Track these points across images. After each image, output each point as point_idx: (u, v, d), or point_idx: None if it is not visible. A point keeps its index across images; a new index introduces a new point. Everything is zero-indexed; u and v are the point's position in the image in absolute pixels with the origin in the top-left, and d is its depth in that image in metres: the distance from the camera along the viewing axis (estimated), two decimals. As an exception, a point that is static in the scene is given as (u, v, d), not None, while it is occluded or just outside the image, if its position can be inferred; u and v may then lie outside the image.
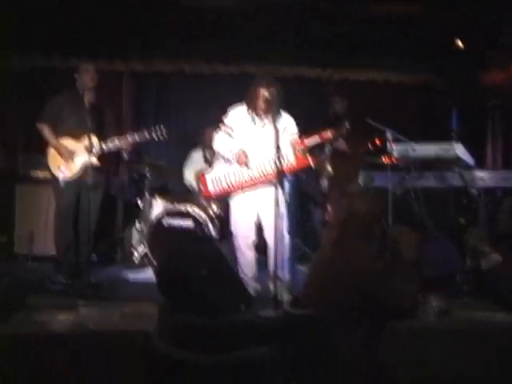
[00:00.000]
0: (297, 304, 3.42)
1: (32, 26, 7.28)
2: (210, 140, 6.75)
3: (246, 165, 5.37)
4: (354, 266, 3.19)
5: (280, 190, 4.95)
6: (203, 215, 6.74)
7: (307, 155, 5.41)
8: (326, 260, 3.38)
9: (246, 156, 5.37)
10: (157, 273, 5.35)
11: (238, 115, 5.54)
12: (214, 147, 5.62)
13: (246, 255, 5.52)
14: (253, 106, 5.44)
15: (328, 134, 5.50)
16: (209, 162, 7.34)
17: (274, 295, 4.86)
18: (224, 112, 5.63)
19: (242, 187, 5.46)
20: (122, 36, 7.57)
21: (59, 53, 7.90)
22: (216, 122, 5.74)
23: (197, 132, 7.83)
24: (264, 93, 5.35)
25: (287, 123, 5.50)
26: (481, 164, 7.10)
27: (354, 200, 3.73)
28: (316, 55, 8.08)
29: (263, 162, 5.40)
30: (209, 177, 5.55)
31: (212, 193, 5.56)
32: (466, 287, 4.69)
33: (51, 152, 6.03)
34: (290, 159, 5.35)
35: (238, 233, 5.54)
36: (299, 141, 5.38)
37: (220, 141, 5.54)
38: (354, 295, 3.15)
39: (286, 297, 5.20)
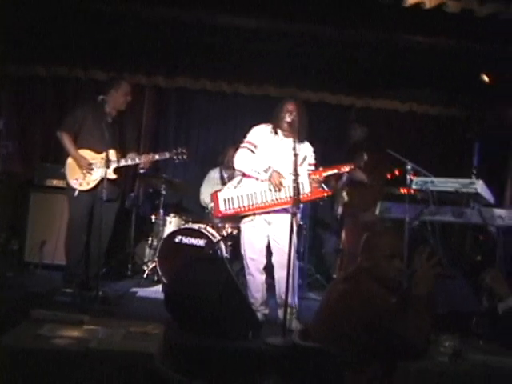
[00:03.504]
0: (306, 335, 3.33)
1: (55, 37, 7.31)
2: (228, 160, 6.80)
3: (280, 184, 5.32)
4: (367, 303, 3.10)
5: (294, 217, 4.92)
6: (216, 235, 6.69)
7: (323, 187, 5.40)
8: (339, 292, 3.29)
9: (280, 174, 5.33)
10: (165, 291, 5.31)
11: (261, 133, 5.53)
12: (236, 164, 5.58)
13: (257, 279, 5.49)
14: (277, 126, 5.45)
15: (346, 167, 5.53)
16: (225, 183, 7.26)
17: (283, 322, 4.81)
18: (243, 133, 5.63)
19: (254, 210, 5.43)
20: (146, 50, 7.57)
21: (81, 64, 7.90)
22: (235, 142, 5.71)
23: (216, 151, 7.82)
24: (289, 115, 5.36)
25: (307, 152, 5.51)
26: (500, 202, 6.98)
27: (371, 231, 3.64)
28: (340, 81, 8.03)
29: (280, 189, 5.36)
30: (221, 196, 5.53)
31: (223, 212, 5.54)
32: (481, 329, 4.58)
33: (69, 162, 6.03)
34: (305, 189, 5.33)
35: (248, 256, 5.52)
36: (316, 172, 5.39)
37: (243, 157, 5.49)
38: (366, 332, 3.06)
39: (294, 325, 5.14)
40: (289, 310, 4.95)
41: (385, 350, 3.04)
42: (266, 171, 5.35)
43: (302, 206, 5.43)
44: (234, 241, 6.80)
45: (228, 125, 8.17)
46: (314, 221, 7.76)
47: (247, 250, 5.53)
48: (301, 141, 5.35)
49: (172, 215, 7.16)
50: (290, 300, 5.00)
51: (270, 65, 7.58)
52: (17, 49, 7.32)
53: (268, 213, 5.42)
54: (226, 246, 6.77)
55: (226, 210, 5.50)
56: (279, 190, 5.34)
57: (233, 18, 6.68)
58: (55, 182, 7.22)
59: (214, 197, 5.57)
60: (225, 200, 5.49)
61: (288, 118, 5.35)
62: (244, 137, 5.60)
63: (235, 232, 6.81)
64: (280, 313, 5.29)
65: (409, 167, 6.10)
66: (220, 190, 5.62)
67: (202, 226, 6.75)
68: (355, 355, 3.07)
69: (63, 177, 6.15)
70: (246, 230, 5.54)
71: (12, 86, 7.94)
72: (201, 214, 7.48)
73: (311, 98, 8.01)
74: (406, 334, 3.02)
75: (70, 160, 6.03)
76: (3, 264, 6.84)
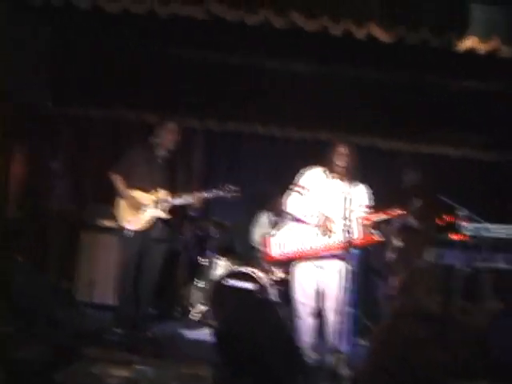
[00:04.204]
0: (356, 382, 3.27)
1: (110, 80, 7.50)
2: (277, 206, 6.82)
3: (329, 229, 5.28)
4: (409, 341, 3.02)
5: (344, 262, 4.91)
6: (265, 279, 6.65)
7: (373, 233, 5.33)
8: (382, 335, 3.22)
9: (330, 219, 5.29)
10: (215, 333, 5.27)
11: (314, 176, 5.51)
12: (287, 209, 5.55)
13: (307, 323, 5.44)
14: (329, 169, 5.43)
15: (395, 212, 5.44)
16: (273, 227, 7.24)
17: (333, 369, 4.73)
18: (293, 177, 5.61)
19: (304, 255, 5.40)
20: (199, 94, 7.69)
21: (135, 107, 8.05)
22: (284, 187, 5.71)
23: (265, 195, 7.84)
24: (342, 158, 5.34)
25: (362, 194, 5.47)
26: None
27: (418, 277, 3.57)
28: (392, 126, 8.00)
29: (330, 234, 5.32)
30: (273, 240, 5.51)
31: (275, 257, 5.52)
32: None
33: (121, 202, 6.11)
34: (355, 235, 5.23)
35: (299, 300, 5.48)
36: (366, 217, 5.32)
37: (294, 201, 5.47)
38: (407, 370, 2.96)
39: (344, 371, 5.05)
40: (339, 356, 4.90)
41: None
42: (316, 216, 5.32)
43: (352, 251, 5.32)
44: (284, 285, 6.77)
45: (277, 169, 8.17)
46: (364, 267, 7.65)
47: (297, 294, 5.48)
48: (354, 184, 5.32)
49: (221, 258, 7.16)
50: (340, 346, 4.96)
51: (321, 109, 7.63)
52: (73, 91, 7.52)
53: (319, 258, 5.37)
54: (276, 291, 6.72)
55: (277, 254, 5.49)
56: (329, 235, 5.29)
57: (282, 62, 6.78)
58: (106, 222, 7.27)
59: (266, 241, 5.57)
60: (276, 244, 5.48)
61: (340, 161, 5.34)
62: (293, 179, 5.59)
63: (285, 276, 6.77)
64: (330, 358, 5.23)
65: (461, 213, 6.02)
66: (271, 235, 5.60)
67: (253, 269, 6.73)
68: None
69: (113, 217, 6.23)
70: (297, 273, 5.51)
71: (67, 127, 8.13)
72: (250, 256, 7.46)
73: (361, 142, 7.96)
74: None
75: (121, 200, 6.11)
76: (54, 303, 6.91)
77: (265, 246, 5.58)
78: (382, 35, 5.18)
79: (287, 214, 5.71)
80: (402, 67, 6.49)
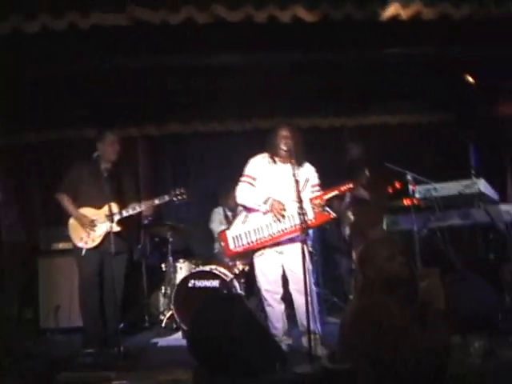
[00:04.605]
0: (334, 359, 3.30)
1: (41, 101, 7.38)
2: (230, 200, 6.92)
3: (283, 211, 5.30)
4: (381, 321, 3.06)
5: (303, 244, 4.91)
6: (228, 274, 6.67)
7: (327, 210, 5.38)
8: (353, 311, 3.26)
9: (280, 203, 5.31)
10: (187, 336, 5.27)
11: (259, 163, 5.54)
12: (238, 199, 5.57)
13: (276, 310, 5.48)
14: (274, 154, 5.46)
15: (346, 186, 5.46)
16: (229, 221, 7.32)
17: (309, 350, 4.77)
18: (240, 169, 5.62)
19: (263, 244, 5.42)
20: (134, 101, 7.63)
21: (71, 125, 7.95)
22: (233, 180, 5.72)
23: (215, 190, 7.89)
24: (284, 141, 5.35)
25: (309, 174, 5.50)
26: (503, 199, 6.96)
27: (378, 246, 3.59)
28: (327, 104, 8.08)
29: (282, 218, 5.35)
30: (230, 234, 5.51)
31: (233, 251, 5.53)
32: (508, 325, 4.55)
33: (71, 222, 6.02)
34: (309, 216, 5.28)
35: (264, 288, 5.51)
36: (318, 196, 5.35)
37: (243, 192, 5.49)
38: (385, 351, 3.00)
39: (320, 351, 5.10)
40: (312, 336, 4.90)
41: (405, 366, 2.98)
42: (265, 202, 5.34)
43: (309, 232, 5.40)
44: (247, 277, 6.80)
45: (224, 163, 8.16)
46: (323, 245, 7.73)
47: (262, 282, 5.51)
48: (300, 165, 5.35)
49: (181, 261, 7.12)
50: (312, 326, 4.97)
51: (257, 97, 7.66)
52: (5, 117, 7.39)
53: (278, 244, 5.40)
54: (239, 284, 6.74)
55: (235, 247, 5.49)
56: (283, 219, 5.31)
57: (210, 56, 6.77)
58: (61, 245, 7.19)
59: (223, 236, 5.56)
60: (233, 238, 5.48)
61: (284, 145, 5.35)
62: (242, 171, 5.59)
63: (247, 268, 6.82)
64: (304, 341, 5.28)
65: (409, 177, 6.12)
66: (228, 229, 5.60)
67: (213, 266, 6.73)
68: (381, 372, 3.02)
69: (68, 239, 6.13)
70: (259, 262, 5.53)
71: (4, 156, 7.98)
72: (209, 254, 7.47)
73: (302, 124, 8.01)
74: (424, 345, 2.97)
75: (71, 220, 6.02)
76: (20, 334, 6.80)
77: (222, 241, 5.57)
78: (306, 16, 5.19)
79: (239, 205, 5.73)
80: (328, 45, 6.52)
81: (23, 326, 7.19)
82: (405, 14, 5.40)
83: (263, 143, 5.56)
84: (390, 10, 5.34)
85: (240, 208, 6.58)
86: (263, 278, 5.50)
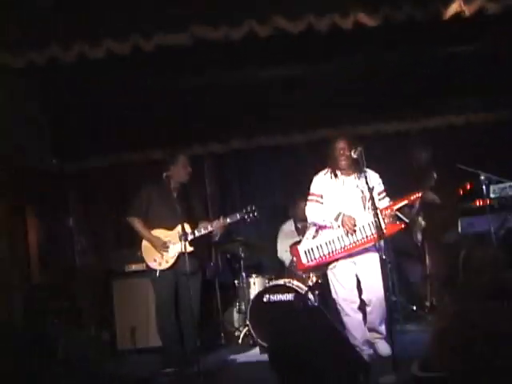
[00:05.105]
0: (426, 366, 3.18)
1: (106, 127, 7.50)
2: (300, 211, 6.86)
3: (353, 227, 5.31)
4: (484, 318, 2.94)
5: (376, 253, 5.05)
6: (303, 286, 6.60)
7: (400, 217, 5.48)
8: (451, 315, 3.15)
9: (351, 218, 5.32)
10: (268, 352, 5.22)
11: (322, 180, 5.56)
12: (308, 218, 5.62)
13: (354, 319, 5.50)
14: (335, 168, 5.48)
15: (415, 196, 5.48)
16: (302, 234, 7.19)
17: (393, 359, 4.71)
18: (307, 180, 5.68)
19: (335, 257, 5.46)
20: (197, 120, 7.68)
21: (138, 148, 8.02)
22: (302, 192, 5.72)
23: (284, 204, 7.89)
24: (343, 153, 5.37)
25: (373, 181, 5.47)
26: None
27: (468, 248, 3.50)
28: (391, 108, 7.94)
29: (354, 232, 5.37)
30: (301, 248, 5.55)
31: (306, 265, 5.58)
32: None
33: (144, 244, 6.08)
34: (380, 225, 5.21)
35: (341, 297, 5.54)
36: (388, 207, 5.38)
37: (313, 211, 5.53)
38: (487, 354, 2.87)
39: (383, 348, 5.30)
40: (376, 335, 5.17)
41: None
42: (336, 219, 5.37)
43: (382, 241, 5.35)
44: (321, 289, 6.73)
45: (290, 176, 8.13)
46: (395, 253, 7.60)
47: (339, 292, 5.54)
48: (363, 175, 5.29)
49: (254, 276, 7.10)
50: (378, 328, 5.32)
51: (319, 108, 7.58)
52: (74, 144, 7.52)
53: (351, 255, 5.42)
54: (314, 296, 6.66)
55: (308, 262, 5.54)
56: (354, 233, 5.33)
57: (269, 70, 6.78)
58: (134, 267, 7.23)
59: (295, 250, 5.62)
60: (305, 252, 5.52)
61: (342, 157, 5.37)
62: (309, 182, 5.63)
63: (320, 280, 6.74)
64: (385, 349, 5.35)
65: (482, 177, 5.97)
66: (299, 243, 5.66)
67: (287, 280, 6.67)
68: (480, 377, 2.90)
69: (141, 260, 6.20)
70: (333, 273, 5.56)
71: (74, 183, 8.12)
72: (282, 268, 7.43)
73: (366, 131, 7.89)
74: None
75: (144, 242, 6.08)
76: (98, 356, 6.87)
77: (295, 255, 5.61)
78: (368, 20, 5.12)
79: (310, 223, 5.74)
80: (390, 48, 6.44)
81: (101, 348, 7.26)
82: (468, 10, 5.27)
83: (324, 155, 5.59)
84: (453, 8, 5.22)
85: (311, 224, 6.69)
86: (339, 288, 5.52)
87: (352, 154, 5.25)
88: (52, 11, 5.08)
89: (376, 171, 5.56)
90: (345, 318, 5.53)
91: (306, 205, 5.63)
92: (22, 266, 7.09)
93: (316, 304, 6.56)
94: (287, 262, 7.31)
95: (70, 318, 7.20)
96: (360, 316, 5.50)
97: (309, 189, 5.62)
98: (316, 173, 5.64)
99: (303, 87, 7.30)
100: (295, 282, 6.64)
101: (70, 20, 5.13)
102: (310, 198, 5.57)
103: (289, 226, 7.64)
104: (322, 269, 6.07)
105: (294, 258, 5.73)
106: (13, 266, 6.79)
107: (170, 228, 5.98)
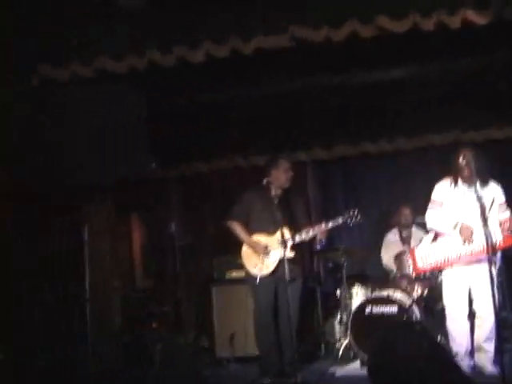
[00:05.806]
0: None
1: (210, 132, 7.50)
2: (402, 216, 7.01)
3: (471, 237, 5.28)
4: None
5: (490, 265, 4.80)
6: (407, 299, 6.34)
7: None
8: None
9: (469, 228, 5.28)
10: (367, 366, 5.05)
11: (443, 188, 5.58)
12: (428, 225, 5.67)
13: (462, 327, 5.38)
14: (457, 177, 5.46)
15: None
16: (407, 242, 7.17)
17: (502, 374, 4.53)
18: (414, 188, 5.86)
19: (450, 264, 5.46)
20: (300, 125, 7.58)
21: (240, 153, 8.00)
22: (407, 199, 5.57)
23: (387, 212, 7.71)
24: (465, 162, 5.30)
25: (495, 193, 5.43)
26: None
27: None
28: (503, 112, 7.49)
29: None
30: (418, 253, 5.57)
31: (421, 269, 5.63)
32: None
33: (245, 250, 6.03)
34: (497, 237, 5.19)
35: (453, 304, 5.49)
36: (506, 219, 5.31)
37: (433, 218, 5.56)
38: None
39: (490, 367, 5.22)
40: (484, 354, 5.18)
41: None
42: (454, 227, 5.34)
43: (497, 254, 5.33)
44: (426, 301, 6.54)
45: (395, 183, 7.91)
46: (509, 267, 7.19)
47: (450, 298, 5.52)
48: (484, 184, 5.27)
49: (357, 286, 6.93)
50: (485, 344, 5.26)
51: (427, 113, 7.29)
52: (175, 149, 7.57)
53: (466, 264, 5.39)
54: (419, 309, 6.39)
55: (423, 265, 5.55)
56: (471, 242, 5.28)
57: (374, 72, 6.59)
58: (234, 274, 7.26)
59: (411, 254, 5.65)
60: (422, 257, 5.53)
61: (466, 166, 5.29)
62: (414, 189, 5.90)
63: (426, 292, 6.55)
64: (491, 368, 5.24)
65: None
66: (417, 247, 5.76)
67: (391, 291, 6.47)
68: None
69: (241, 267, 6.18)
70: (447, 278, 5.56)
71: (176, 187, 8.19)
72: (386, 278, 7.22)
73: (475, 138, 7.47)
74: None
75: (245, 248, 6.02)
76: (197, 363, 6.86)
77: (412, 258, 5.61)
78: (477, 18, 4.81)
79: (429, 229, 5.74)
80: (500, 47, 6.10)
81: (200, 354, 7.26)
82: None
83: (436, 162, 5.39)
84: None
85: (414, 229, 7.18)
86: (451, 293, 5.49)
87: (474, 163, 5.16)
88: (150, 15, 5.10)
89: (498, 181, 5.49)
90: (452, 325, 5.50)
91: (427, 212, 5.62)
92: (126, 270, 7.21)
93: (419, 319, 6.30)
94: (392, 272, 7.08)
95: (170, 324, 7.26)
96: (467, 325, 5.31)
97: (413, 197, 5.89)
98: (437, 181, 5.62)
99: (410, 91, 7.06)
100: (399, 294, 6.42)
101: (169, 23, 5.13)
102: (430, 205, 5.58)
103: (393, 235, 7.45)
104: (430, 279, 6.37)
105: (410, 262, 5.76)
106: (116, 269, 6.90)
107: (271, 233, 5.90)
